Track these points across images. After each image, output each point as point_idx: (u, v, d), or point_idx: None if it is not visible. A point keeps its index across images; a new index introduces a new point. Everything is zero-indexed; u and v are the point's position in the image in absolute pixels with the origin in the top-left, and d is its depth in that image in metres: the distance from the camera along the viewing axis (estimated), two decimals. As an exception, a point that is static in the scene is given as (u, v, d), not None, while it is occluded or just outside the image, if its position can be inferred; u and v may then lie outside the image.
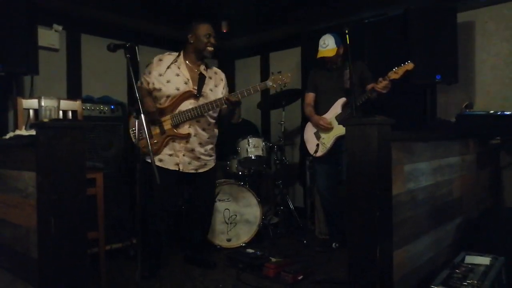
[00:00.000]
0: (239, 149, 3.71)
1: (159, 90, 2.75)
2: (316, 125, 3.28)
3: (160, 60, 2.82)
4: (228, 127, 3.95)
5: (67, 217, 1.56)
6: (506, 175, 3.32)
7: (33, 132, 1.67)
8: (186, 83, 2.78)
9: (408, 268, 2.04)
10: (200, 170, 2.86)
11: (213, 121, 2.90)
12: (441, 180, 2.43)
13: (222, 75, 3.01)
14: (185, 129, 2.76)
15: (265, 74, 5.02)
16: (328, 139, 3.20)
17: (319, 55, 3.20)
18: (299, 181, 4.65)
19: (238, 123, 4.33)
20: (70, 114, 2.85)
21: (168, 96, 2.75)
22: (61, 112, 2.59)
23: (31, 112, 2.69)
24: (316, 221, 3.82)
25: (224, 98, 2.72)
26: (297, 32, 4.61)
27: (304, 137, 3.40)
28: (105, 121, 3.34)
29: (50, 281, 1.54)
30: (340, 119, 3.14)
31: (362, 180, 1.76)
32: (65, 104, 2.83)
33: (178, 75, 2.78)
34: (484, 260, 2.17)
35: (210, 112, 2.81)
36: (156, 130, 2.76)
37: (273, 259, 2.85)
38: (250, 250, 3.01)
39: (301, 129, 3.95)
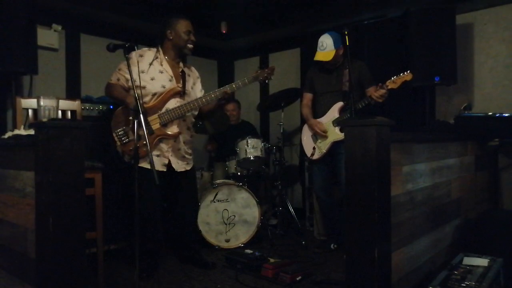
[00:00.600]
0: (238, 150, 3.71)
1: (143, 88, 2.62)
2: (311, 128, 3.27)
3: (141, 56, 2.71)
4: (228, 127, 3.96)
5: (66, 217, 1.56)
6: (504, 177, 3.32)
7: (32, 131, 1.68)
8: (170, 80, 2.72)
9: (406, 270, 2.04)
10: (187, 168, 2.86)
11: (194, 120, 2.90)
12: (440, 182, 2.43)
13: (197, 73, 3.00)
14: (174, 128, 2.70)
15: (264, 75, 5.02)
16: (324, 144, 3.18)
17: (316, 58, 3.14)
18: (298, 182, 4.65)
19: (237, 124, 4.33)
20: (69, 114, 2.85)
21: (154, 94, 2.67)
22: (60, 112, 2.61)
23: (30, 111, 2.69)
24: (315, 222, 3.82)
25: (224, 90, 2.71)
26: (297, 33, 4.61)
27: (302, 139, 3.40)
28: (104, 121, 3.33)
29: (48, 281, 1.54)
30: (337, 123, 3.13)
31: (360, 181, 1.76)
32: (64, 104, 2.83)
33: (161, 72, 2.71)
34: (482, 262, 2.17)
35: (193, 111, 2.80)
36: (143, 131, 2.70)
37: (272, 260, 2.85)
38: (248, 251, 3.00)
39: (300, 130, 3.95)
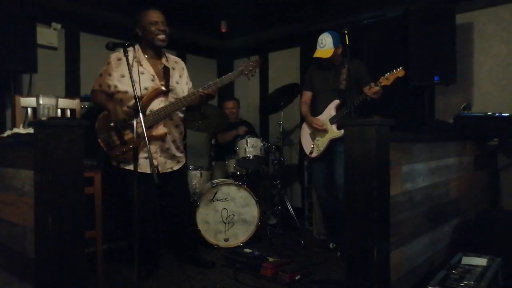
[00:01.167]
0: (237, 149, 3.71)
1: (125, 92, 2.56)
2: (310, 125, 3.28)
3: (119, 59, 2.61)
4: (228, 128, 3.96)
5: (65, 216, 1.56)
6: (503, 176, 3.33)
7: (31, 130, 1.67)
8: (152, 80, 2.64)
9: (405, 269, 2.05)
10: (175, 168, 2.80)
11: (182, 116, 2.82)
12: (439, 181, 2.43)
13: (182, 64, 2.89)
14: (160, 129, 2.64)
15: (264, 74, 5.03)
16: (322, 142, 3.19)
17: (316, 54, 3.16)
18: (298, 182, 4.66)
19: (237, 123, 4.33)
20: (68, 112, 2.85)
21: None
22: (59, 111, 2.60)
23: (29, 110, 2.68)
24: (314, 221, 3.82)
25: (201, 91, 2.61)
26: (296, 33, 4.61)
27: (301, 137, 3.41)
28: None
29: (47, 280, 1.53)
30: (334, 121, 3.14)
31: (360, 180, 1.77)
32: (64, 102, 2.83)
33: (142, 73, 2.60)
34: (481, 261, 2.17)
35: (178, 111, 2.73)
36: (129, 135, 2.59)
37: (271, 259, 2.85)
38: (247, 250, 3.00)
39: (299, 130, 3.95)
